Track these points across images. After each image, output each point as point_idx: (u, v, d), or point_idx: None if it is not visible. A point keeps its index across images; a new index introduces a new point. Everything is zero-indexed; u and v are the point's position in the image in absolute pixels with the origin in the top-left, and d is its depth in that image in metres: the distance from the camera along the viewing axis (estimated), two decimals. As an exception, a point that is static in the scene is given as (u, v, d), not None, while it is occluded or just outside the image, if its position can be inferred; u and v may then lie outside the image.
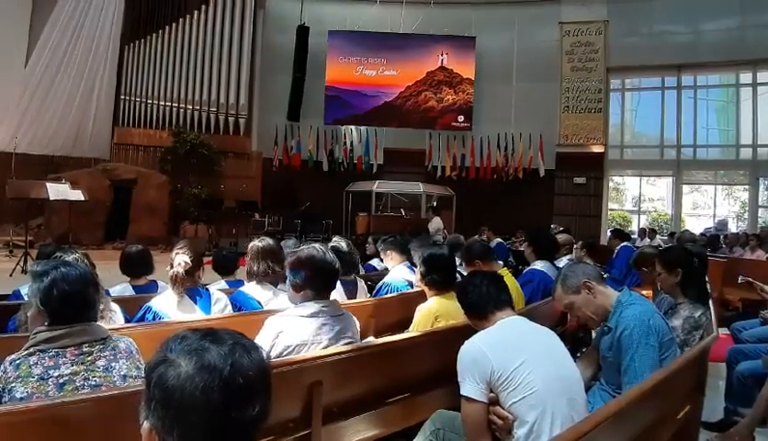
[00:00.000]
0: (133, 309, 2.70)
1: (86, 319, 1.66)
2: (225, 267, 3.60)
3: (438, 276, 2.75)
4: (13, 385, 1.50)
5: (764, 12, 12.43)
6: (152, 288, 3.22)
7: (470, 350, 1.78)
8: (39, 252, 3.08)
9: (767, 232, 9.03)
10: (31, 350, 1.57)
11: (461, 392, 1.76)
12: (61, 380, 1.53)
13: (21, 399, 1.48)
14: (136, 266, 3.26)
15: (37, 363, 1.54)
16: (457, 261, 3.45)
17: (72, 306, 1.63)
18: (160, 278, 3.26)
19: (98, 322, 1.74)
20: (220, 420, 0.79)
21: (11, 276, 6.97)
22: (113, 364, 1.63)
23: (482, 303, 1.99)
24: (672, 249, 3.11)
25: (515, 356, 1.73)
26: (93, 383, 1.57)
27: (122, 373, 1.63)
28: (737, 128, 13.63)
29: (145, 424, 0.83)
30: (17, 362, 1.54)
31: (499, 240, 9.67)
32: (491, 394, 1.73)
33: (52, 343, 1.57)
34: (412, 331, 2.65)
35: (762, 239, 8.51)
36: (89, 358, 1.60)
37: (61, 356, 1.56)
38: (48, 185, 8.11)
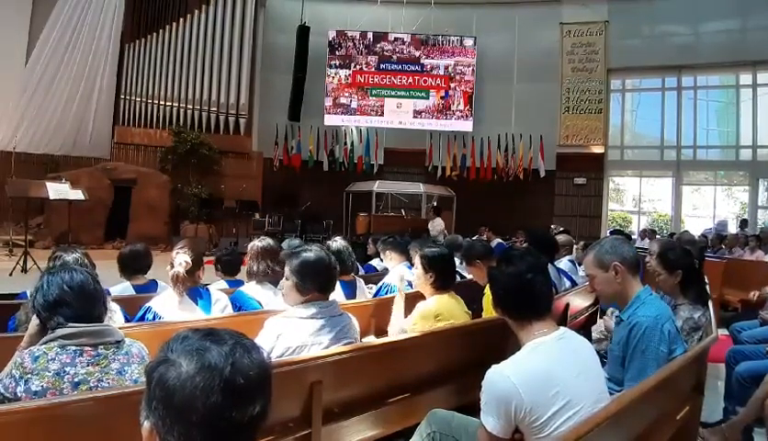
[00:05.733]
0: (133, 308, 2.70)
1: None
2: (231, 269, 3.61)
3: (438, 274, 2.74)
4: (29, 376, 1.52)
5: (764, 13, 12.43)
6: (152, 287, 3.22)
7: (500, 384, 1.51)
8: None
9: (767, 233, 9.01)
10: (50, 345, 1.58)
11: (481, 419, 1.55)
12: (76, 379, 1.55)
13: (36, 392, 1.51)
14: (132, 265, 3.26)
15: (54, 358, 1.56)
16: (457, 261, 3.45)
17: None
18: (160, 278, 3.26)
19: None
20: (220, 420, 0.79)
21: (11, 275, 6.98)
22: (126, 368, 1.65)
23: (521, 302, 1.66)
24: (673, 250, 3.11)
25: (554, 398, 1.49)
26: (106, 386, 1.59)
27: (134, 378, 1.64)
28: (737, 129, 13.63)
29: (146, 424, 0.84)
30: (36, 355, 1.56)
31: (499, 240, 9.68)
32: (517, 434, 1.53)
33: (71, 340, 1.59)
34: (410, 326, 2.65)
35: (762, 239, 8.50)
36: (104, 361, 1.62)
37: (78, 355, 1.58)
38: (48, 184, 8.11)
